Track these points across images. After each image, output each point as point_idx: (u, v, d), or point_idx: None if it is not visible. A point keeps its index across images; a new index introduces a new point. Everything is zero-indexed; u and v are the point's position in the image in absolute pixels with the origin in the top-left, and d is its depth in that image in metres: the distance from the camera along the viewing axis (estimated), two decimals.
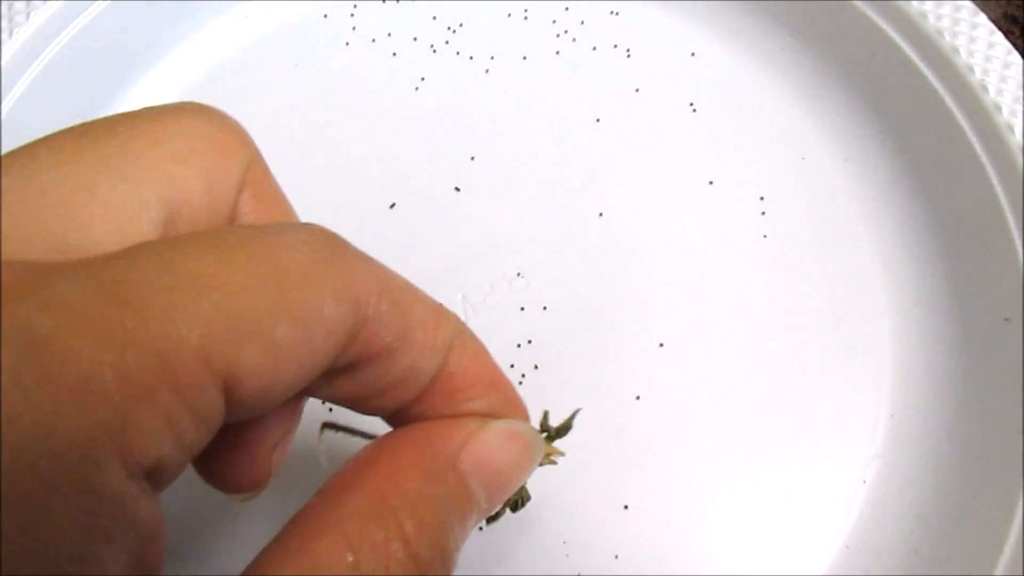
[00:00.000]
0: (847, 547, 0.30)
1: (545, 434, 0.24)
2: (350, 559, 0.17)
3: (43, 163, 0.18)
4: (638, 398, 0.32)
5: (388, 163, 0.35)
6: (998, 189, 0.32)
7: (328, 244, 0.18)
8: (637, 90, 0.37)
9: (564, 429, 0.24)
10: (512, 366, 0.32)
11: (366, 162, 0.35)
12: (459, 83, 0.37)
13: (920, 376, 0.32)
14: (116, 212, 0.18)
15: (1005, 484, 0.29)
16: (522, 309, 0.33)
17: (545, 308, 0.33)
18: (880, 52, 0.35)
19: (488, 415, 0.21)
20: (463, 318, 0.32)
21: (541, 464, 0.24)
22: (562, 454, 0.24)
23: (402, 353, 0.19)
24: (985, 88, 0.33)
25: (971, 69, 0.33)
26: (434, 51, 0.38)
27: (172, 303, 0.14)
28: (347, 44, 0.38)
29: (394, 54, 0.38)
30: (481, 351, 0.22)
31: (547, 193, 0.35)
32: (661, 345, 0.32)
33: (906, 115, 0.35)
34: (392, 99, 0.37)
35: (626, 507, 0.30)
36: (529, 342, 0.32)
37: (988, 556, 0.28)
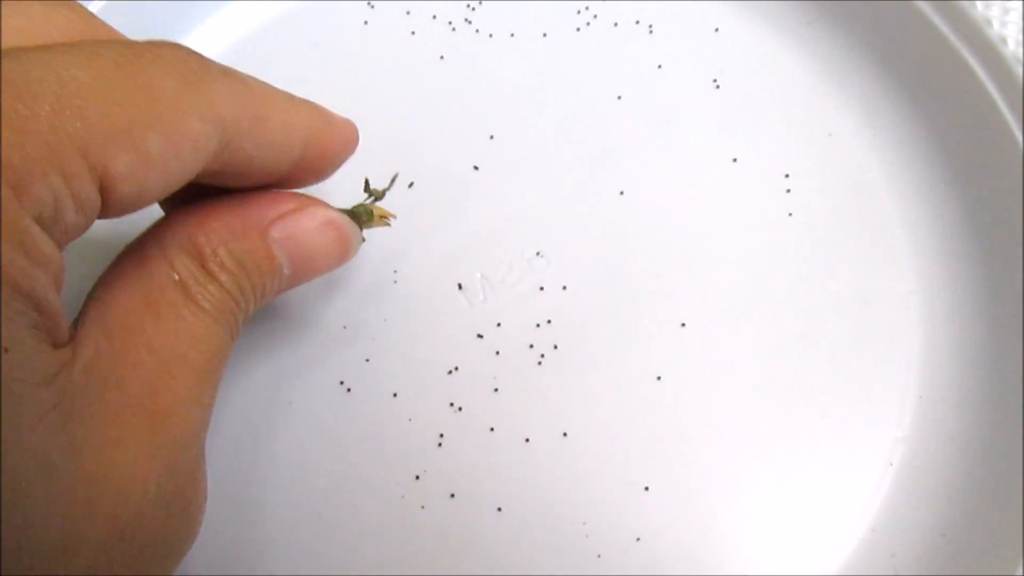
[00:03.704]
0: (873, 530, 0.29)
1: (372, 198, 0.29)
2: (176, 278, 0.22)
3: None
4: (659, 379, 0.31)
5: (407, 143, 0.35)
6: None
7: (195, 65, 0.21)
8: (659, 67, 0.37)
9: (382, 192, 0.29)
10: (531, 346, 0.32)
11: (384, 142, 0.34)
12: (478, 61, 0.37)
13: (950, 356, 0.32)
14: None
15: None
16: (541, 289, 0.32)
17: (565, 288, 0.33)
18: (910, 25, 0.34)
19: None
20: (482, 298, 0.32)
21: (374, 226, 0.29)
22: (392, 216, 0.29)
23: (262, 155, 0.23)
24: (1019, 61, 0.32)
25: (1004, 41, 0.32)
26: (453, 29, 0.37)
27: (60, 105, 0.18)
28: (365, 23, 0.37)
29: (413, 32, 0.37)
30: (330, 143, 0.26)
31: (567, 171, 0.34)
32: (683, 325, 0.32)
33: (937, 90, 0.34)
34: (411, 78, 0.36)
35: (647, 488, 0.30)
36: (549, 322, 0.32)
37: (1017, 540, 0.27)
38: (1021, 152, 0.32)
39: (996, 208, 0.32)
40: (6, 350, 0.17)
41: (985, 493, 0.29)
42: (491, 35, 0.37)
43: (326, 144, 0.25)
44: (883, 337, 0.32)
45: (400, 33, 0.37)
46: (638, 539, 0.29)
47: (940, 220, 0.34)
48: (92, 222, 0.20)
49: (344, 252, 0.27)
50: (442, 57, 0.37)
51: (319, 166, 0.26)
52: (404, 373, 0.31)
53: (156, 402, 0.21)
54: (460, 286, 0.32)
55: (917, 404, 0.31)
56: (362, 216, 0.29)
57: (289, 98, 0.24)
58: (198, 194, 0.24)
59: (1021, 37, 0.33)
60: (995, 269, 0.32)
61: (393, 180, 0.30)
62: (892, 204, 0.34)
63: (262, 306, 0.26)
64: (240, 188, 0.25)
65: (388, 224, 0.29)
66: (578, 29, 0.37)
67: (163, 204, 0.26)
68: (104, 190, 0.19)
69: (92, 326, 0.21)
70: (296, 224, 0.25)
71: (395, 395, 0.31)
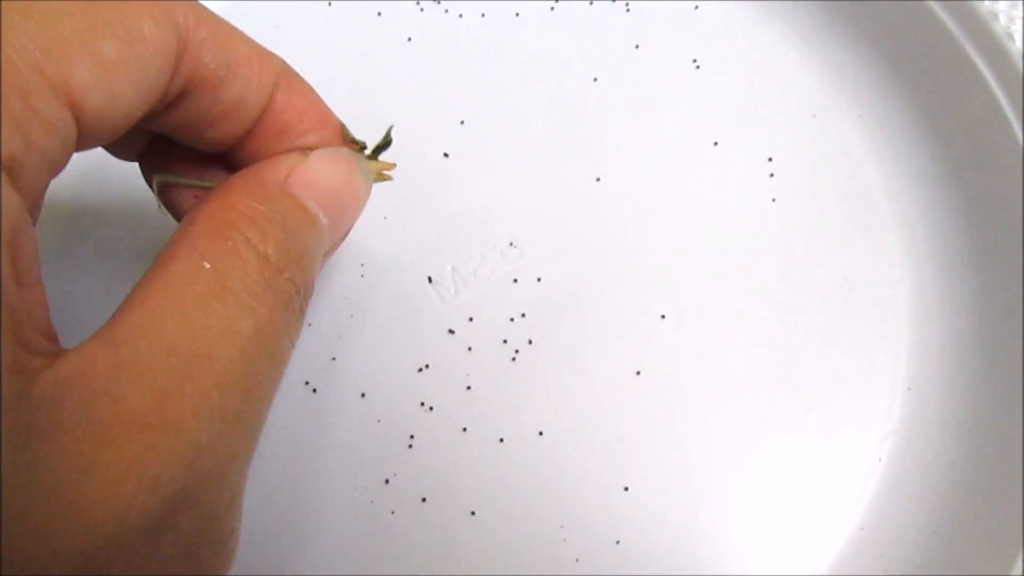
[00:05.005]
0: (862, 528, 0.28)
1: (367, 151, 0.26)
2: (207, 266, 0.19)
3: None
4: (638, 373, 0.30)
5: (373, 129, 0.33)
6: (1023, 146, 0.30)
7: None
8: (637, 46, 0.35)
9: (385, 144, 0.27)
10: (505, 341, 0.30)
11: (350, 128, 0.33)
12: (448, 43, 0.35)
13: (939, 347, 0.31)
14: None
15: None
16: (515, 281, 0.31)
17: (540, 279, 0.31)
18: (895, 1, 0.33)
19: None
20: (453, 292, 0.31)
21: (377, 181, 0.26)
22: (392, 165, 0.26)
23: (229, 83, 0.22)
24: (1010, 36, 0.31)
25: (995, 16, 0.31)
26: (421, 9, 0.36)
27: (1, 24, 0.17)
28: (329, 4, 0.36)
29: (379, 13, 0.36)
30: (309, 91, 0.24)
31: (541, 158, 0.33)
32: (663, 317, 0.31)
33: (925, 68, 0.33)
34: (377, 61, 0.35)
35: (626, 489, 0.29)
36: (523, 315, 0.31)
37: (1009, 537, 0.26)
38: (1014, 133, 0.30)
39: (987, 192, 0.31)
40: None
41: (977, 489, 0.28)
42: (461, 15, 0.36)
43: (302, 91, 0.24)
44: (871, 327, 0.31)
45: (366, 14, 0.36)
46: (618, 542, 0.28)
47: (930, 204, 0.32)
48: (71, 149, 0.19)
49: (360, 185, 0.25)
50: (410, 39, 0.35)
51: (286, 127, 0.24)
52: (372, 372, 0.30)
53: (162, 413, 0.18)
54: (430, 279, 0.31)
55: (906, 396, 0.30)
56: None
57: (258, 45, 0.23)
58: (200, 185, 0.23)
59: (1014, 19, 0.31)
60: (986, 255, 0.31)
61: (389, 130, 0.27)
62: (879, 188, 0.33)
63: (318, 274, 0.24)
64: (223, 142, 0.23)
65: (389, 178, 0.27)
66: (552, 8, 0.36)
67: (175, 212, 0.25)
68: (73, 106, 0.18)
69: (94, 338, 0.18)
70: (310, 170, 0.23)
71: (363, 395, 0.30)
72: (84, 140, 0.19)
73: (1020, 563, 0.26)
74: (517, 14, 0.36)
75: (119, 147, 0.25)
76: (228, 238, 0.20)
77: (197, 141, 0.23)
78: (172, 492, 0.18)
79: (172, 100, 0.21)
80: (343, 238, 0.25)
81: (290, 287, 0.21)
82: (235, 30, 0.22)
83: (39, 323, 0.18)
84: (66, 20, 0.18)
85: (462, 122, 0.34)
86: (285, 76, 0.24)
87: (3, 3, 0.17)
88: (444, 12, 0.36)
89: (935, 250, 0.32)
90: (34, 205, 0.19)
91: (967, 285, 0.31)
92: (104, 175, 0.33)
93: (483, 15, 0.36)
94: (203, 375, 0.19)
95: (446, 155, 0.33)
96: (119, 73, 0.19)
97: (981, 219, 0.31)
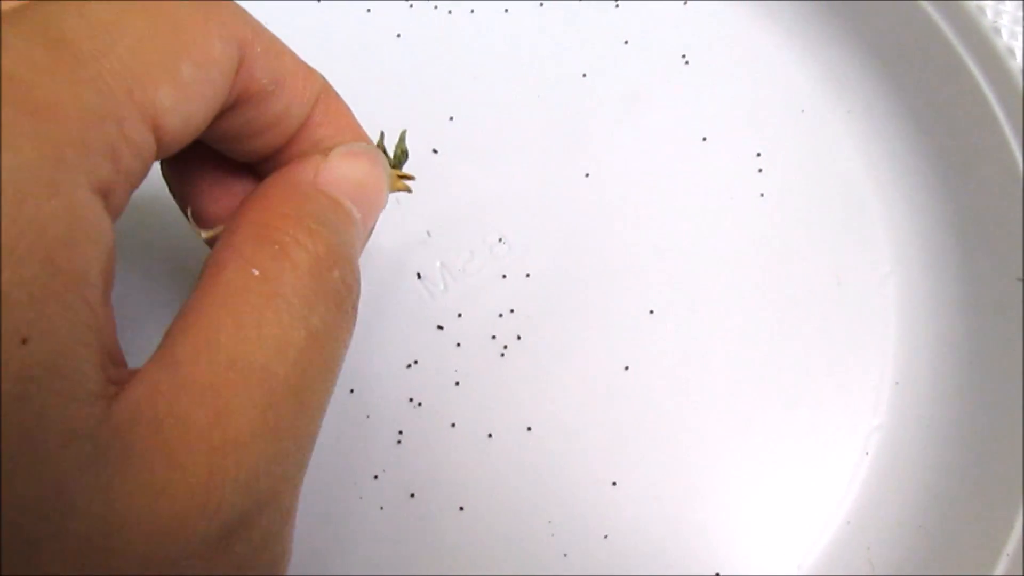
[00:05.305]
0: (848, 522, 0.29)
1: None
2: (256, 273, 0.19)
3: None
4: (627, 369, 0.30)
5: (363, 125, 0.33)
6: (1012, 142, 0.30)
7: None
8: (626, 42, 0.35)
9: (402, 154, 0.27)
10: (494, 337, 0.30)
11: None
12: (437, 39, 0.35)
13: (927, 341, 0.31)
14: None
15: (1015, 456, 0.27)
16: (504, 277, 0.31)
17: (528, 275, 0.31)
18: None
19: None
20: (442, 288, 0.31)
21: (397, 190, 0.26)
22: (412, 178, 0.27)
23: (276, 97, 0.22)
24: (998, 32, 0.31)
25: (982, 11, 0.31)
26: (410, 5, 0.36)
27: (96, 50, 0.17)
28: (318, 0, 0.36)
29: (368, 10, 0.36)
30: (344, 108, 0.25)
31: (530, 154, 0.33)
32: (651, 313, 0.31)
33: (914, 64, 0.33)
34: (366, 57, 0.35)
35: (615, 484, 0.29)
36: (511, 311, 0.31)
37: (997, 532, 0.26)
38: (1002, 129, 0.30)
39: (975, 188, 0.31)
40: (24, 341, 0.15)
41: (964, 484, 0.28)
42: (450, 11, 0.36)
43: (339, 108, 0.25)
44: (859, 321, 0.31)
45: (355, 10, 0.36)
46: (606, 536, 0.28)
47: (918, 199, 0.33)
48: (149, 169, 0.19)
49: (381, 177, 0.25)
50: (399, 35, 0.35)
51: (321, 140, 0.24)
52: (361, 367, 0.30)
53: (223, 434, 0.17)
54: (419, 275, 0.31)
55: (893, 391, 0.30)
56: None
57: (303, 61, 0.24)
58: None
59: (1001, 13, 0.31)
60: (974, 251, 0.31)
61: (402, 137, 0.27)
62: (868, 183, 0.33)
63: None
64: (261, 152, 0.23)
65: (408, 189, 0.27)
66: (541, 4, 0.36)
67: (202, 223, 0.24)
68: (156, 129, 0.18)
69: (154, 362, 0.18)
70: (334, 167, 0.23)
71: (352, 391, 0.30)
72: (158, 155, 0.19)
73: (1005, 557, 0.26)
74: (506, 10, 0.36)
75: None
76: (275, 241, 0.20)
77: (236, 151, 0.23)
78: (231, 517, 0.18)
79: (223, 112, 0.21)
80: (370, 234, 0.25)
81: (341, 286, 0.21)
82: (284, 45, 0.23)
83: (112, 347, 0.18)
84: (150, 44, 0.18)
85: (451, 118, 0.34)
86: (325, 92, 0.24)
87: (97, 28, 0.17)
88: (433, 8, 0.36)
89: (923, 245, 0.32)
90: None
91: (955, 280, 0.31)
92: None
93: (472, 11, 0.36)
94: (260, 391, 0.18)
95: (435, 151, 0.33)
96: (193, 94, 0.19)
97: (969, 215, 0.31)
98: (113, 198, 0.18)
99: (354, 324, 0.22)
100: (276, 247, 0.20)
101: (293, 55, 0.23)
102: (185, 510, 0.17)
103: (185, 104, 0.19)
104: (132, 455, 0.16)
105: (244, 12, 0.21)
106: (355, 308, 0.22)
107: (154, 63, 0.18)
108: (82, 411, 0.16)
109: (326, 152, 0.23)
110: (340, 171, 0.23)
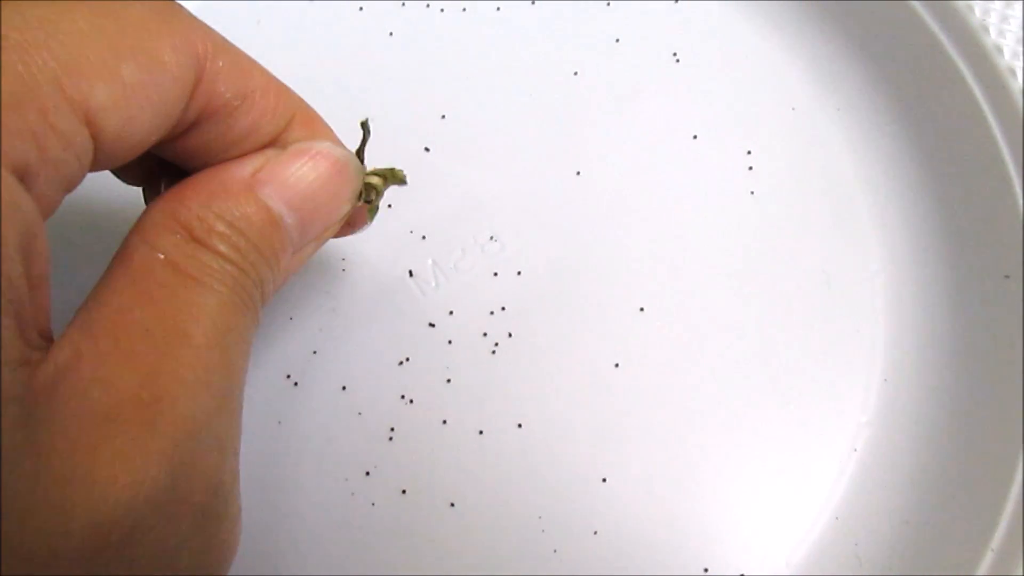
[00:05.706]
0: (837, 518, 0.29)
1: (383, 180, 0.26)
2: (161, 256, 0.20)
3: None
4: (617, 366, 0.30)
5: (355, 123, 0.33)
6: (999, 139, 0.30)
7: (164, 2, 0.21)
8: (617, 40, 0.35)
9: (388, 178, 0.26)
10: (485, 334, 0.30)
11: (331, 123, 0.33)
12: (429, 37, 0.35)
13: (915, 338, 0.31)
14: None
15: (1002, 452, 0.27)
16: (495, 274, 0.31)
17: (520, 273, 0.31)
18: None
19: None
20: (433, 286, 0.31)
21: (394, 183, 0.26)
22: (402, 172, 0.26)
23: (243, 112, 0.22)
24: (986, 29, 0.31)
25: (971, 9, 0.31)
26: (403, 4, 0.36)
27: (26, 41, 0.17)
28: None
29: (361, 8, 0.36)
30: (324, 129, 0.25)
31: (522, 152, 0.33)
32: (641, 310, 0.31)
33: (903, 63, 0.33)
34: (358, 56, 0.35)
35: (604, 480, 0.29)
36: (503, 309, 0.31)
37: (983, 528, 0.26)
38: (990, 127, 0.31)
39: (964, 184, 0.31)
40: None
41: (951, 479, 0.28)
42: (442, 10, 0.36)
43: (317, 126, 0.24)
44: (847, 318, 0.31)
45: (347, 8, 0.36)
46: (596, 532, 0.28)
47: (907, 197, 0.33)
48: (86, 168, 0.19)
49: (343, 184, 0.24)
50: (391, 33, 0.35)
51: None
52: (353, 365, 0.30)
53: (153, 390, 0.19)
54: (411, 273, 0.31)
55: (882, 388, 0.30)
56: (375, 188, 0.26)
57: (279, 81, 0.23)
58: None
59: (990, 11, 0.31)
60: (962, 246, 0.31)
61: (364, 125, 0.26)
62: (857, 181, 0.33)
63: (288, 276, 0.24)
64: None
65: (404, 182, 0.26)
66: (532, 2, 0.36)
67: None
68: (90, 125, 0.18)
69: (72, 330, 0.19)
70: (282, 167, 0.23)
71: (344, 388, 0.30)
72: (99, 160, 0.19)
73: (991, 553, 0.26)
74: (498, 9, 0.36)
75: (127, 171, 0.25)
76: (176, 232, 0.20)
77: (206, 168, 0.23)
78: (180, 464, 0.19)
79: (186, 127, 0.21)
80: (328, 235, 0.25)
81: (244, 279, 0.21)
82: (254, 62, 0.23)
83: (42, 322, 0.18)
84: (89, 41, 0.18)
85: (443, 116, 0.34)
86: (301, 111, 0.24)
87: (32, 23, 0.18)
88: (426, 7, 0.36)
89: (912, 243, 0.32)
90: (46, 217, 0.19)
91: (943, 277, 0.31)
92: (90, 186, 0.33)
93: (464, 9, 0.36)
94: (183, 351, 0.19)
95: (427, 149, 0.33)
96: (137, 97, 0.19)
97: (957, 212, 0.32)
98: (38, 184, 0.18)
99: (261, 312, 0.23)
100: (178, 236, 0.20)
101: (264, 71, 0.23)
102: (128, 460, 0.18)
103: (126, 105, 0.19)
104: (63, 416, 0.18)
105: (205, 26, 0.21)
106: (264, 299, 0.23)
107: (91, 59, 0.18)
108: (6, 376, 0.17)
109: (285, 147, 0.23)
110: (286, 172, 0.23)
